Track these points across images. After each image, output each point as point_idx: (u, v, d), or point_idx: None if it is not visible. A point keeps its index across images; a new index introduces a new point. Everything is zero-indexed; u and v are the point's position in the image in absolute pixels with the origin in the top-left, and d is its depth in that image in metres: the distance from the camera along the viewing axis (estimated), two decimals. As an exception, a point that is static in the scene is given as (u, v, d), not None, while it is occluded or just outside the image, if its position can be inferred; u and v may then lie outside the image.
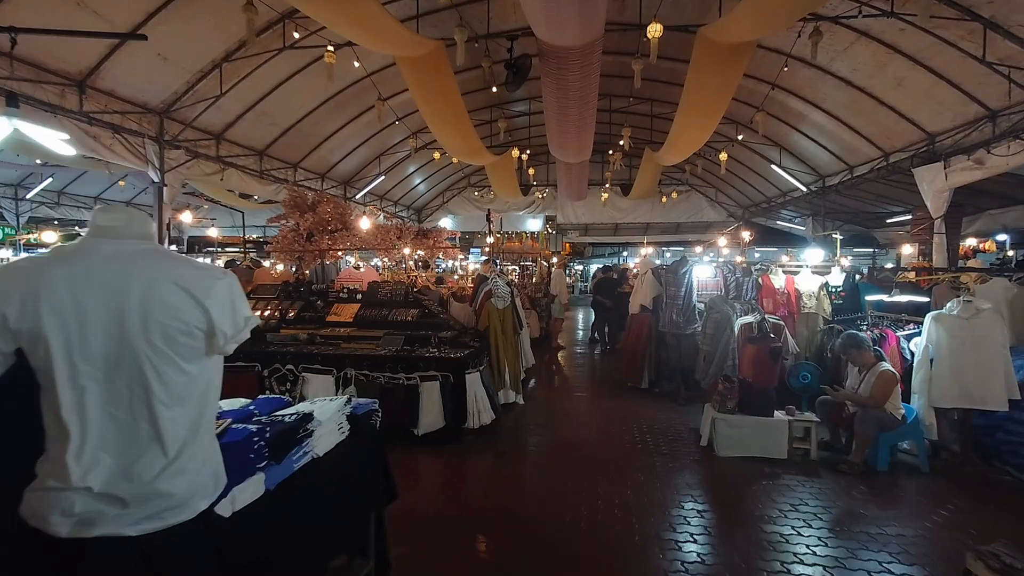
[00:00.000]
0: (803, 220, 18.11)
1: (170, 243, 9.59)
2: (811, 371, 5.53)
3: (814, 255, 8.15)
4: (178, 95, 9.43)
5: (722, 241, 9.96)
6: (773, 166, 14.39)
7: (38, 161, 12.99)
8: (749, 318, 5.83)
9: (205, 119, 10.32)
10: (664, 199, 18.39)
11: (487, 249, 19.04)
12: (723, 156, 12.38)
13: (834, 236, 17.24)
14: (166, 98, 9.40)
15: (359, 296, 6.28)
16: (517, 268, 15.52)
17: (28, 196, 16.36)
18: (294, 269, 7.10)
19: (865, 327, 5.54)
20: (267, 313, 6.13)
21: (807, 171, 14.22)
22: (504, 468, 4.68)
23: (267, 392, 5.22)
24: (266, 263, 10.45)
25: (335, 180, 14.85)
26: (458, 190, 19.79)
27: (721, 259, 8.96)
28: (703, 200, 19.33)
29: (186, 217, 8.46)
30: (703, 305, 6.54)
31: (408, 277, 7.29)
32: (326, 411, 2.50)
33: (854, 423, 4.38)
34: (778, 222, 18.66)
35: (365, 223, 6.86)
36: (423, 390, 4.97)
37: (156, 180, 9.55)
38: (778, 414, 4.77)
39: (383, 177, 15.35)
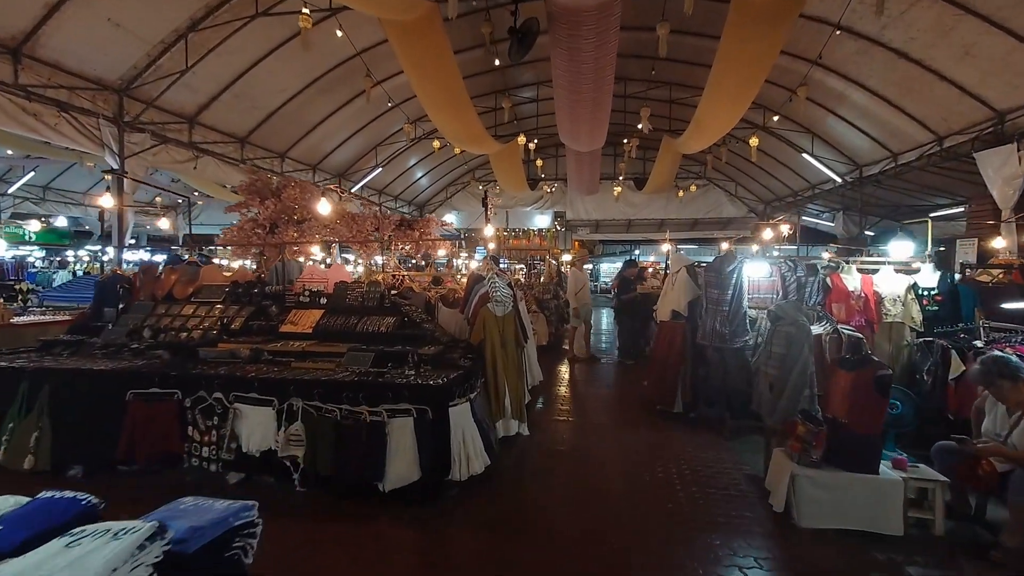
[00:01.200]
0: (831, 215, 16.53)
1: (121, 241, 8.28)
2: (902, 398, 4.08)
3: (900, 248, 6.63)
4: (138, 70, 8.12)
5: (768, 233, 8.46)
6: (804, 155, 12.85)
7: (9, 151, 11.81)
8: (818, 328, 4.40)
9: (174, 99, 9.02)
10: (681, 193, 16.90)
11: (490, 246, 17.77)
12: (753, 141, 10.88)
13: (865, 233, 15.68)
14: (124, 73, 8.10)
15: (323, 300, 4.90)
16: (524, 267, 14.08)
17: (10, 191, 15.21)
18: (255, 267, 5.76)
19: (982, 342, 4.09)
20: (205, 323, 4.77)
21: (842, 160, 12.68)
22: (499, 548, 3.28)
23: (190, 430, 3.87)
24: (222, 260, 9.09)
25: (328, 172, 13.52)
26: (462, 185, 18.42)
27: (776, 253, 7.49)
28: (722, 195, 17.80)
29: (106, 201, 7.09)
30: (755, 312, 5.10)
31: (393, 277, 5.89)
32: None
33: (1008, 490, 2.94)
34: (804, 218, 17.08)
35: (324, 207, 5.51)
36: (392, 429, 3.59)
37: (115, 167, 8.27)
38: (885, 467, 3.33)
39: (380, 169, 14.00)
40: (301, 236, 5.76)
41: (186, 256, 5.54)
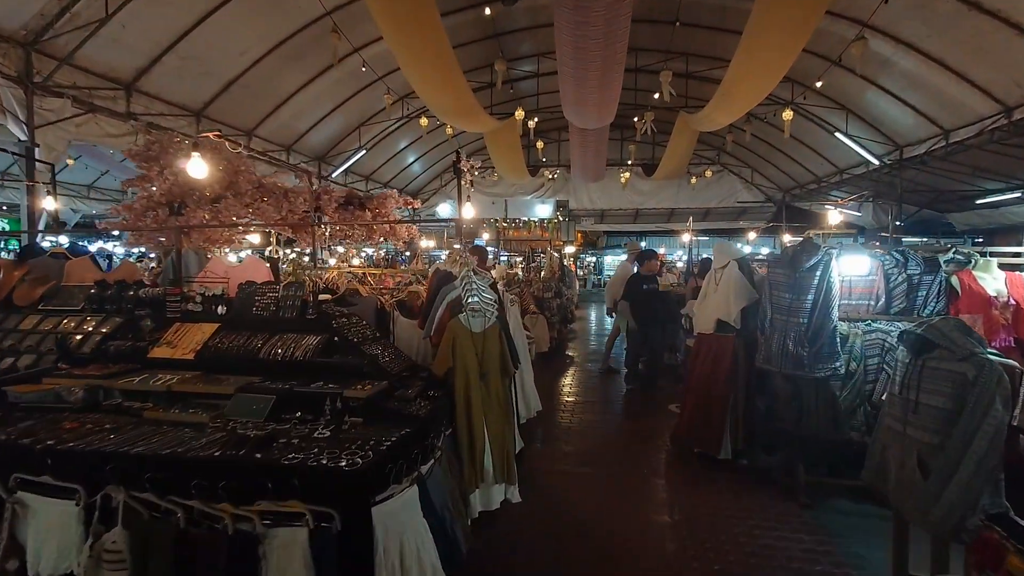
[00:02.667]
0: (858, 204, 14.81)
1: (48, 227, 6.69)
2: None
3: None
4: (48, 19, 6.51)
5: (833, 218, 6.81)
6: (838, 134, 11.13)
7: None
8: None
9: (101, 59, 7.33)
10: (694, 180, 15.19)
11: (485, 236, 16.19)
12: (787, 115, 9.17)
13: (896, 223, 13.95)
14: (29, 22, 6.49)
15: (221, 310, 3.28)
16: (521, 260, 12.44)
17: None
18: (152, 263, 4.16)
19: None
20: (47, 343, 3.16)
21: (880, 140, 10.96)
22: None
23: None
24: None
25: (305, 154, 11.85)
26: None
27: (875, 244, 5.80)
28: (736, 182, 16.08)
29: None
30: (845, 326, 3.45)
31: (344, 272, 4.26)
32: None
33: None
34: (826, 206, 15.35)
35: (197, 167, 3.79)
36: (270, 549, 1.97)
37: (23, 138, 6.68)
38: None
39: (364, 152, 12.32)
40: (215, 218, 4.16)
41: (47, 248, 3.91)
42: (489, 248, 21.60)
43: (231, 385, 2.76)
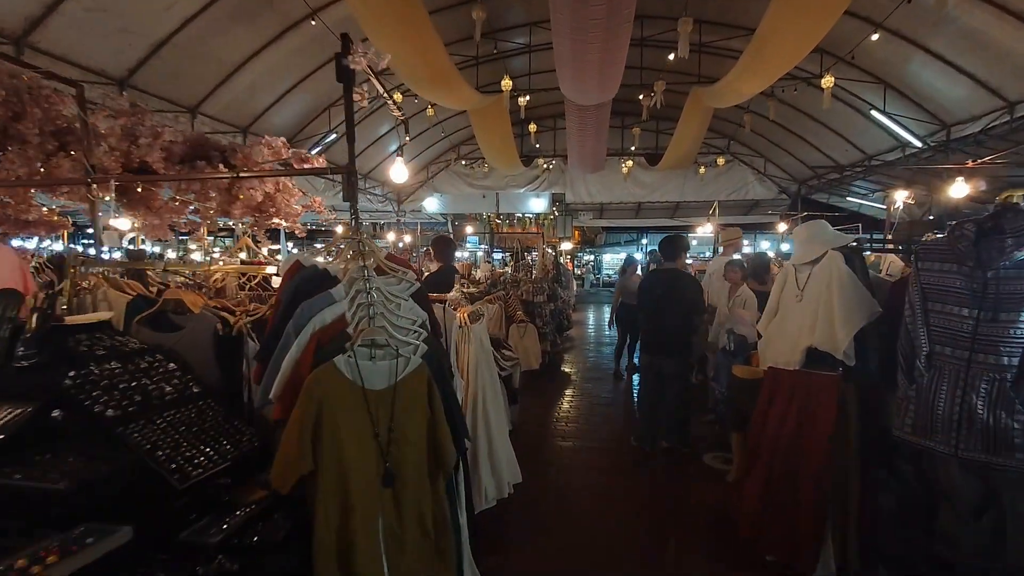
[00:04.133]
0: (881, 196, 13.13)
1: None
2: None
3: None
4: None
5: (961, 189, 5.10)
6: (875, 112, 9.44)
7: None
8: None
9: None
10: (703, 169, 13.50)
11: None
12: (827, 81, 7.45)
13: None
14: None
15: None
16: (509, 256, 10.75)
17: None
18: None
19: None
20: None
21: (924, 118, 9.28)
22: None
23: None
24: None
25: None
26: (445, 163, 15.03)
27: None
28: (748, 172, 14.37)
29: None
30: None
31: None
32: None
33: None
34: (848, 198, 13.70)
35: None
36: None
37: None
38: None
39: (335, 136, 10.62)
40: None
41: None
42: (479, 246, 19.88)
43: None
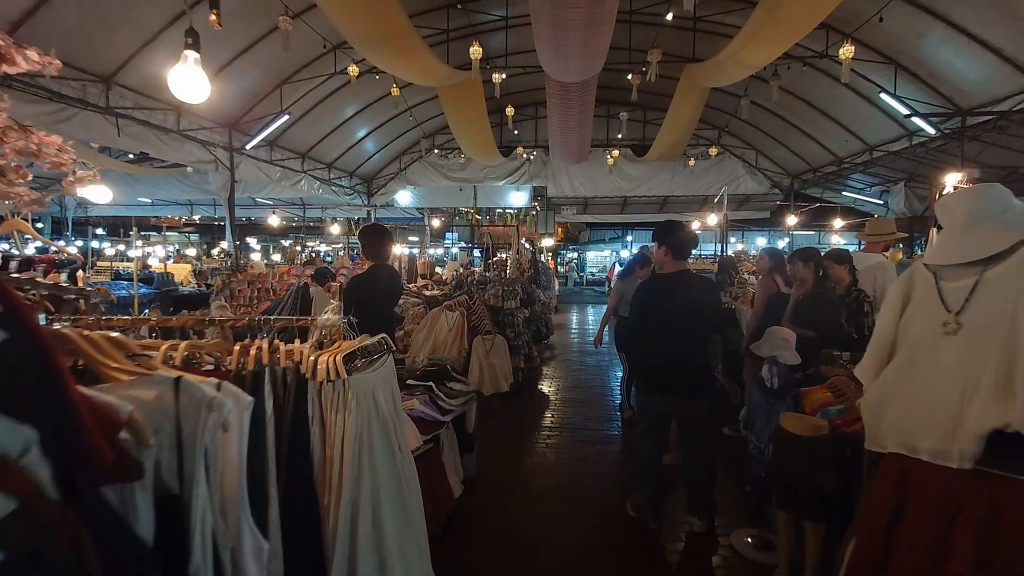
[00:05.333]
0: (879, 191, 12.19)
1: None
2: None
3: None
4: None
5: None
6: (884, 95, 8.38)
7: None
8: None
9: None
10: (693, 161, 12.39)
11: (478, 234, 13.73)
12: (846, 52, 6.30)
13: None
14: None
15: None
16: (477, 258, 9.52)
17: None
18: None
19: None
20: None
21: (936, 102, 8.26)
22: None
23: None
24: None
25: (206, 116, 8.75)
26: (418, 154, 13.69)
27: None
28: (739, 165, 13.33)
29: None
30: None
31: None
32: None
33: None
34: (844, 192, 12.71)
35: None
36: None
37: None
38: None
39: (286, 117, 9.24)
40: None
41: None
42: (458, 243, 18.54)
43: None
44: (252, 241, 21.26)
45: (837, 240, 14.00)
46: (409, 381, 2.77)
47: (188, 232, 22.36)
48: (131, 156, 11.52)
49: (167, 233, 24.26)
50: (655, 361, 2.80)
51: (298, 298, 4.80)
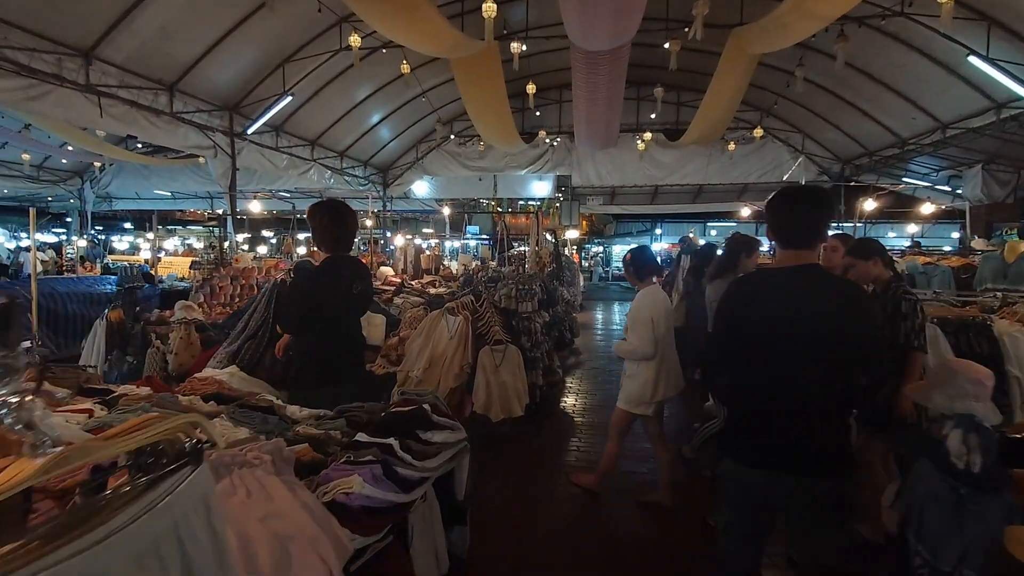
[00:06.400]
0: (946, 176, 10.62)
1: None
2: None
3: None
4: None
5: None
6: (973, 59, 6.96)
7: None
8: None
9: None
10: (732, 145, 11.07)
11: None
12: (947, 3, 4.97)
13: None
14: None
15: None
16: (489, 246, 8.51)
17: None
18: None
19: None
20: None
21: (1039, 66, 6.82)
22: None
23: None
24: None
25: (204, 99, 7.95)
26: (436, 142, 12.72)
27: None
28: (783, 151, 11.91)
29: None
30: None
31: None
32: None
33: None
34: (904, 180, 11.17)
35: None
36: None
37: None
38: None
39: (290, 98, 8.37)
40: None
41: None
42: (480, 238, 17.52)
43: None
44: (268, 235, 20.80)
45: (914, 232, 12.44)
46: (360, 437, 1.77)
47: (212, 226, 21.98)
48: (140, 146, 10.95)
49: (191, 227, 24.08)
50: (755, 410, 1.72)
51: (272, 298, 3.87)
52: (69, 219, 18.34)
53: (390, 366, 3.99)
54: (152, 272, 6.43)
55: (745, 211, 7.40)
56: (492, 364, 3.72)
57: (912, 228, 12.93)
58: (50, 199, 16.48)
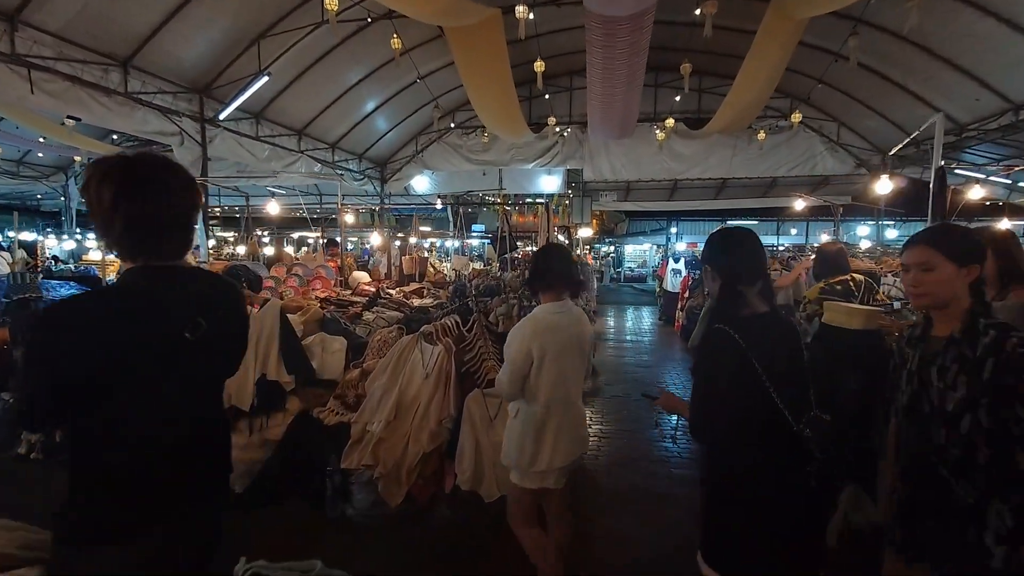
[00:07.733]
0: (996, 168, 9.22)
1: None
2: None
3: None
4: None
5: None
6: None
7: None
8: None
9: None
10: (762, 134, 9.76)
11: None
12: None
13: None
14: None
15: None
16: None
17: None
18: None
19: None
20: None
21: None
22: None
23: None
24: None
25: (168, 79, 6.80)
26: (436, 133, 11.53)
27: None
28: (816, 141, 10.57)
29: None
30: None
31: None
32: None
33: None
34: (956, 171, 9.77)
35: None
36: None
37: None
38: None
39: (266, 79, 7.19)
40: None
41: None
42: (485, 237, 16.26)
43: None
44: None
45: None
46: None
47: (214, 225, 20.95)
48: (115, 138, 9.88)
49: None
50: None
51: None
52: (64, 218, 17.44)
53: (345, 411, 2.80)
54: (100, 276, 5.31)
55: (799, 204, 6.22)
56: (485, 416, 2.52)
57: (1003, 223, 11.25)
58: (40, 197, 15.54)
